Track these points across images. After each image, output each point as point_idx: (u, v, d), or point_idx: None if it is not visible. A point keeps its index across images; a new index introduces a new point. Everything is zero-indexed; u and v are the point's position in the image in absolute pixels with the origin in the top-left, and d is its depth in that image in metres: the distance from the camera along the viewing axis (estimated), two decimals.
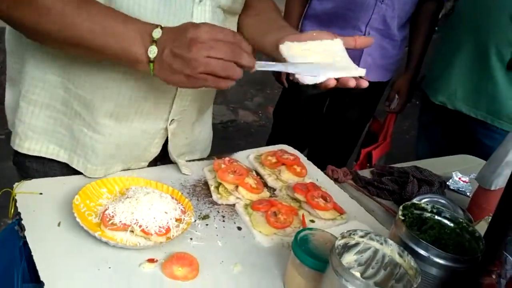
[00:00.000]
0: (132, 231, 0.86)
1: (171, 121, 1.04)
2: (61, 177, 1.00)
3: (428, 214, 0.85)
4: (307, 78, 0.86)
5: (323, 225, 1.02)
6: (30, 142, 1.00)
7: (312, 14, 2.01)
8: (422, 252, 0.75)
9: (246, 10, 1.10)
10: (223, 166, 1.09)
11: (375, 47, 1.94)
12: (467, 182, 1.38)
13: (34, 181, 0.97)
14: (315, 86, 2.00)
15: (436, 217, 0.85)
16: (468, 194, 1.33)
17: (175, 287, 0.79)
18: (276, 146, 1.30)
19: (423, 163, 1.46)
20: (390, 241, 0.74)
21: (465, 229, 0.82)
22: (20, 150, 1.01)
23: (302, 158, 1.26)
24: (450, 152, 1.77)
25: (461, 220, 0.83)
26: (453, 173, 1.40)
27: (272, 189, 1.13)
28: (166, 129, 1.05)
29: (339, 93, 2.07)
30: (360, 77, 0.88)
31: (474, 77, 1.73)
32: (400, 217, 0.80)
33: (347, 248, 0.76)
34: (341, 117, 2.16)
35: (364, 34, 1.91)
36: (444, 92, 1.82)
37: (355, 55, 1.93)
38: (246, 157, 1.24)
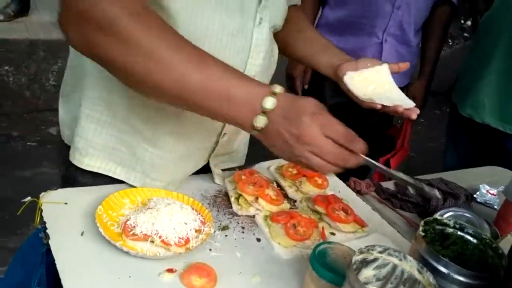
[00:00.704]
0: (152, 241, 0.87)
1: (223, 134, 1.05)
2: (86, 187, 1.03)
3: (451, 230, 0.83)
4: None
5: (344, 238, 1.01)
6: (90, 158, 1.01)
7: (324, 23, 2.00)
8: (442, 268, 0.74)
9: (286, 24, 1.11)
10: (243, 177, 1.09)
11: (392, 52, 1.93)
12: (495, 195, 1.35)
13: (60, 190, 1.00)
14: (335, 95, 2.00)
15: (459, 232, 0.83)
16: (495, 207, 1.30)
17: None
18: None
19: (449, 175, 1.43)
20: (409, 257, 0.73)
21: (488, 245, 0.80)
22: (79, 165, 1.02)
23: None
24: (480, 163, 1.72)
25: (484, 236, 0.81)
26: (480, 185, 1.37)
27: (292, 201, 1.13)
28: (217, 142, 1.07)
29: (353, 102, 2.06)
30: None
31: (503, 90, 1.69)
32: (421, 232, 0.79)
33: (365, 263, 0.75)
34: (361, 125, 2.14)
35: (381, 42, 1.90)
36: (472, 104, 1.79)
37: None
38: (267, 168, 1.24)
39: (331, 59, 1.07)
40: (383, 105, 0.99)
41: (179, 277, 0.83)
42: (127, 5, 0.75)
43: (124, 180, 1.03)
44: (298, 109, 0.75)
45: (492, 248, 0.80)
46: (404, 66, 1.07)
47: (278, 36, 1.09)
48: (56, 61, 3.49)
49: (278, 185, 1.18)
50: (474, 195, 1.33)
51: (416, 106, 2.19)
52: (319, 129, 0.74)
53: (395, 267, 0.75)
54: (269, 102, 0.74)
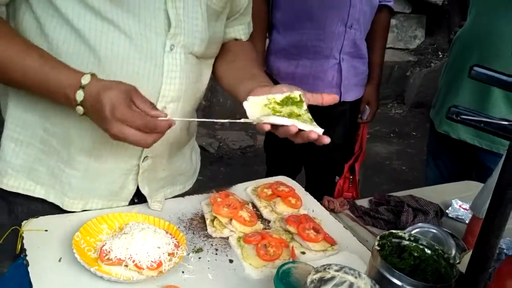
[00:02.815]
0: (126, 266, 0.92)
1: (144, 158, 1.09)
2: (66, 214, 1.08)
3: (407, 242, 0.88)
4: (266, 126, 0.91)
5: (314, 256, 1.05)
6: (8, 178, 1.06)
7: (277, 49, 2.02)
8: (396, 281, 0.78)
9: (223, 54, 1.17)
10: (218, 199, 1.14)
11: (349, 69, 2.00)
12: (467, 210, 1.38)
13: (41, 218, 1.04)
14: None
15: (414, 244, 0.87)
16: (466, 221, 1.34)
17: None
18: (274, 178, 1.35)
19: (426, 190, 1.48)
20: (363, 275, 0.77)
21: (441, 256, 0.85)
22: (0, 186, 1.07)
23: (299, 189, 1.30)
24: (460, 177, 1.77)
25: (437, 247, 0.86)
26: (453, 200, 1.41)
27: (267, 221, 1.18)
28: (138, 165, 1.10)
29: (321, 116, 2.13)
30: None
31: (477, 107, 1.74)
32: (376, 247, 0.83)
33: (323, 281, 0.79)
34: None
35: (339, 62, 1.95)
36: (448, 121, 1.84)
37: (335, 84, 1.99)
38: (244, 189, 1.29)
39: (250, 84, 1.03)
40: (289, 128, 0.91)
41: None
42: None
43: (44, 198, 1.07)
44: (100, 105, 0.85)
45: (445, 258, 0.84)
46: (329, 99, 1.01)
47: (214, 66, 1.15)
48: None
49: (254, 206, 1.22)
50: (447, 210, 1.37)
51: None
52: (120, 124, 0.85)
53: (351, 284, 0.79)
54: (79, 96, 0.87)
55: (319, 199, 1.36)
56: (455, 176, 1.89)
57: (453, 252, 1.10)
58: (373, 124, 5.03)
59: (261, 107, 0.94)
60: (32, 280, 0.88)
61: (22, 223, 1.02)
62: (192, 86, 1.08)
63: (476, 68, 0.56)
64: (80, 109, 0.88)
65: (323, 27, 1.89)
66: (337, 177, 2.28)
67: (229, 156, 4.12)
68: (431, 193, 1.45)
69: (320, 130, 0.91)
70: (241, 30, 1.22)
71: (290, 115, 0.92)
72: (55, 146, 1.04)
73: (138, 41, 0.96)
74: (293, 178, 2.32)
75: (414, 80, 5.44)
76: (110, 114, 0.84)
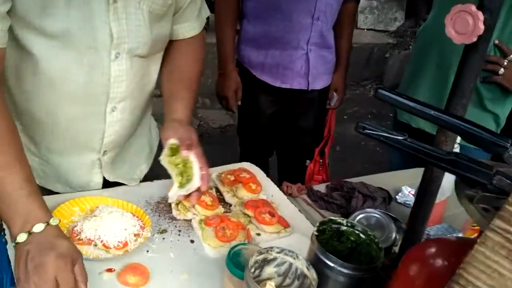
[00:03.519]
0: (95, 245, 1.02)
1: (104, 152, 1.20)
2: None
3: (345, 228, 1.00)
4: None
5: (268, 238, 1.17)
6: None
7: (248, 38, 2.08)
8: (329, 263, 0.89)
9: (167, 59, 1.28)
10: None
11: (317, 59, 2.07)
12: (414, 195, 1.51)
13: None
14: (272, 105, 2.21)
15: (351, 229, 0.99)
16: None
17: None
18: (238, 164, 1.45)
19: (378, 178, 1.60)
20: (300, 256, 0.89)
21: (373, 240, 0.97)
22: None
23: (261, 176, 1.41)
24: (421, 163, 1.88)
25: (369, 233, 0.97)
26: (403, 187, 1.54)
27: (229, 205, 1.29)
28: (100, 159, 1.21)
29: (290, 104, 2.19)
30: None
31: (434, 99, 1.84)
32: (315, 232, 0.94)
33: (266, 262, 0.91)
34: (298, 127, 2.29)
35: (307, 52, 2.03)
36: None
37: (303, 73, 2.07)
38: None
39: (169, 115, 1.25)
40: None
41: (116, 276, 0.98)
42: None
43: None
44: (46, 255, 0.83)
45: (375, 243, 0.96)
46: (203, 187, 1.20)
47: (160, 70, 1.26)
48: None
49: (218, 190, 1.33)
50: (396, 196, 1.50)
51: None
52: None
53: (291, 264, 0.91)
54: (22, 238, 0.86)
55: (291, 181, 1.47)
56: (418, 163, 2.00)
57: (393, 235, 1.22)
58: (352, 105, 5.17)
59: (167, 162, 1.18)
60: (10, 256, 0.98)
61: None
62: (138, 85, 1.17)
63: (380, 91, 0.66)
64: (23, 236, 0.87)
65: (290, 19, 1.95)
66: (307, 161, 2.38)
67: (209, 135, 4.21)
68: (384, 179, 1.58)
69: (198, 184, 1.18)
70: (187, 27, 1.28)
71: (181, 174, 1.18)
72: (25, 142, 1.12)
73: (85, 55, 1.03)
74: (265, 162, 2.45)
75: (393, 62, 5.56)
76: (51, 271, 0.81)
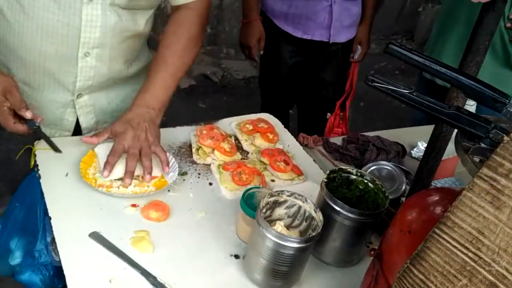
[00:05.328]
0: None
1: (78, 95, 1.24)
2: (73, 137, 1.25)
3: (354, 176, 1.05)
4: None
5: (282, 184, 1.23)
6: None
7: None
8: (337, 208, 0.96)
9: (164, 33, 1.27)
10: (204, 132, 1.31)
11: (341, 11, 2.05)
12: None
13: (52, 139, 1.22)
14: (293, 55, 2.20)
15: (360, 178, 1.05)
16: None
17: (149, 225, 1.04)
18: (257, 114, 1.50)
19: (396, 132, 1.63)
20: (309, 200, 0.95)
21: (380, 190, 1.02)
22: None
23: (279, 127, 1.46)
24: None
25: (377, 182, 1.03)
26: (419, 142, 1.57)
27: (246, 152, 1.35)
28: (73, 100, 1.25)
29: (312, 55, 2.18)
30: None
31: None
32: (325, 180, 1.00)
33: (277, 203, 0.97)
34: (319, 79, 2.29)
35: (331, 4, 2.01)
36: None
37: (326, 25, 2.06)
38: (229, 124, 1.45)
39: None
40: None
41: (140, 211, 1.06)
42: None
43: None
44: None
45: (382, 191, 1.01)
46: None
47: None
48: None
49: (236, 138, 1.39)
50: (411, 151, 1.53)
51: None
52: None
53: (300, 207, 0.97)
54: None
55: (311, 133, 1.52)
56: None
57: (404, 187, 1.27)
58: (380, 60, 5.07)
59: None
60: (43, 189, 1.08)
61: (35, 143, 1.20)
62: (120, 35, 1.19)
63: (390, 46, 0.68)
64: None
65: None
66: (328, 114, 2.41)
67: (232, 86, 4.24)
68: (401, 134, 1.61)
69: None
70: None
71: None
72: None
73: None
74: (286, 114, 2.48)
75: (425, 16, 5.37)
76: None
